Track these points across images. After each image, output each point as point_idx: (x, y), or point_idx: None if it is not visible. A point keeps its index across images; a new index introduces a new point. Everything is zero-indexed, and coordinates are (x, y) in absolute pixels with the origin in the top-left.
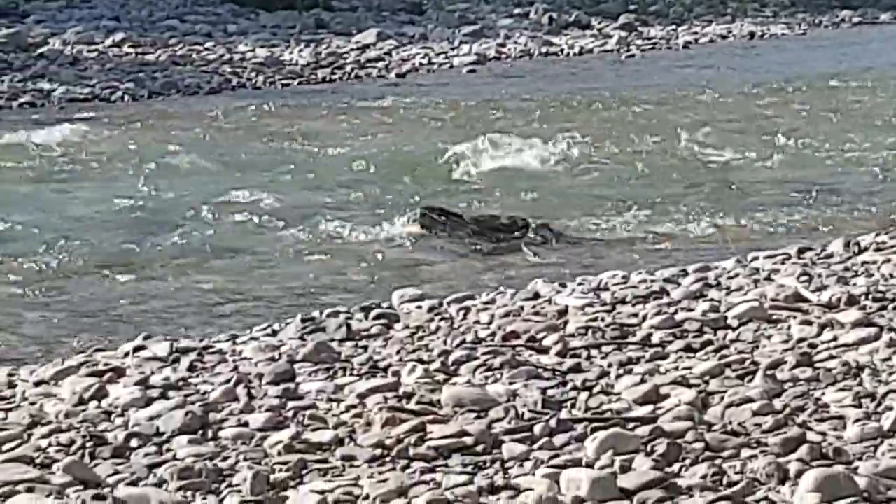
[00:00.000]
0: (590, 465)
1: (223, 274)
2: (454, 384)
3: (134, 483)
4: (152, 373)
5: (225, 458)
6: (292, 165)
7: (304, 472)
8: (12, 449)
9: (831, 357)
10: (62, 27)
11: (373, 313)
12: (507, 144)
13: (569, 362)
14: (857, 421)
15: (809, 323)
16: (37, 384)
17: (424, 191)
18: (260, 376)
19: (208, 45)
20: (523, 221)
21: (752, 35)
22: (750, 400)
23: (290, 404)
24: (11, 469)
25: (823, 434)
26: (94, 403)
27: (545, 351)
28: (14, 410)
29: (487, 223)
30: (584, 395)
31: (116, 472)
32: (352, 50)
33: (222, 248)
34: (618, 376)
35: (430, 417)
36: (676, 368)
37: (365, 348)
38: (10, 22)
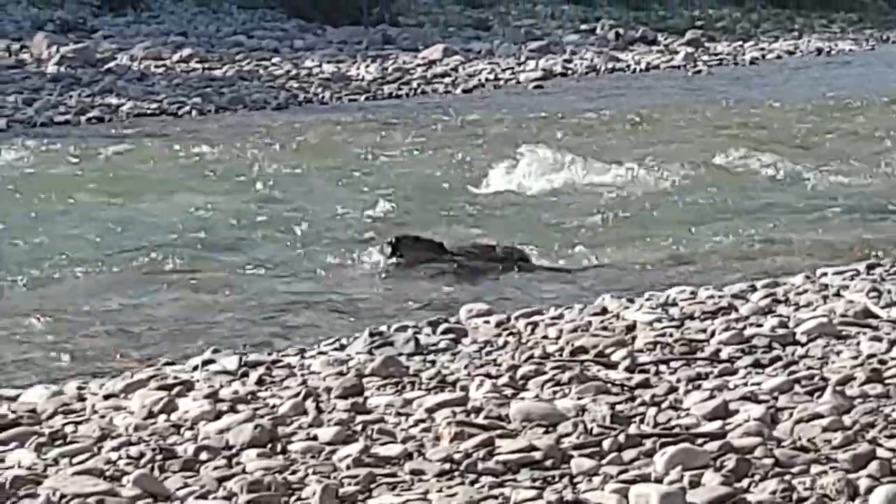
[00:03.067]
0: (659, 481)
1: (290, 288)
2: (522, 399)
3: (203, 496)
4: (221, 386)
5: (294, 472)
6: (356, 180)
7: (372, 486)
8: (83, 461)
9: None
10: (130, 42)
11: (441, 328)
12: (569, 165)
13: (637, 377)
14: None
15: (879, 339)
16: (106, 397)
17: (483, 210)
18: (328, 390)
19: (275, 60)
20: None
21: (819, 51)
22: (819, 416)
23: (359, 418)
24: (82, 481)
25: (893, 450)
26: (163, 417)
27: (613, 366)
28: (84, 423)
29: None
30: (652, 410)
31: (186, 486)
32: (418, 65)
33: (288, 261)
34: (686, 392)
35: (499, 432)
36: (745, 384)
37: (433, 363)
38: (78, 37)
